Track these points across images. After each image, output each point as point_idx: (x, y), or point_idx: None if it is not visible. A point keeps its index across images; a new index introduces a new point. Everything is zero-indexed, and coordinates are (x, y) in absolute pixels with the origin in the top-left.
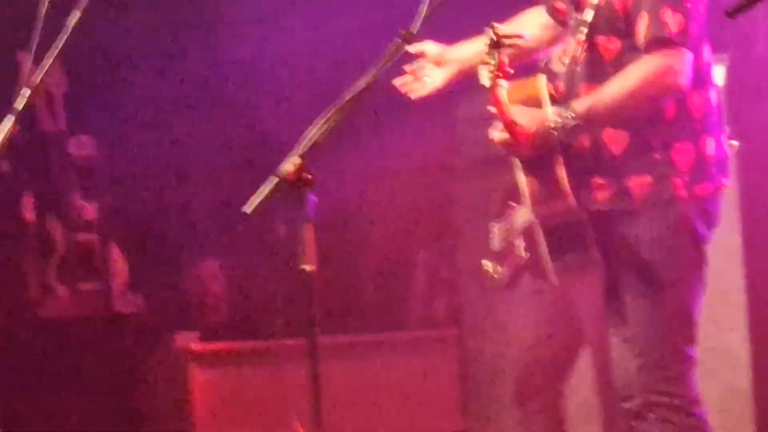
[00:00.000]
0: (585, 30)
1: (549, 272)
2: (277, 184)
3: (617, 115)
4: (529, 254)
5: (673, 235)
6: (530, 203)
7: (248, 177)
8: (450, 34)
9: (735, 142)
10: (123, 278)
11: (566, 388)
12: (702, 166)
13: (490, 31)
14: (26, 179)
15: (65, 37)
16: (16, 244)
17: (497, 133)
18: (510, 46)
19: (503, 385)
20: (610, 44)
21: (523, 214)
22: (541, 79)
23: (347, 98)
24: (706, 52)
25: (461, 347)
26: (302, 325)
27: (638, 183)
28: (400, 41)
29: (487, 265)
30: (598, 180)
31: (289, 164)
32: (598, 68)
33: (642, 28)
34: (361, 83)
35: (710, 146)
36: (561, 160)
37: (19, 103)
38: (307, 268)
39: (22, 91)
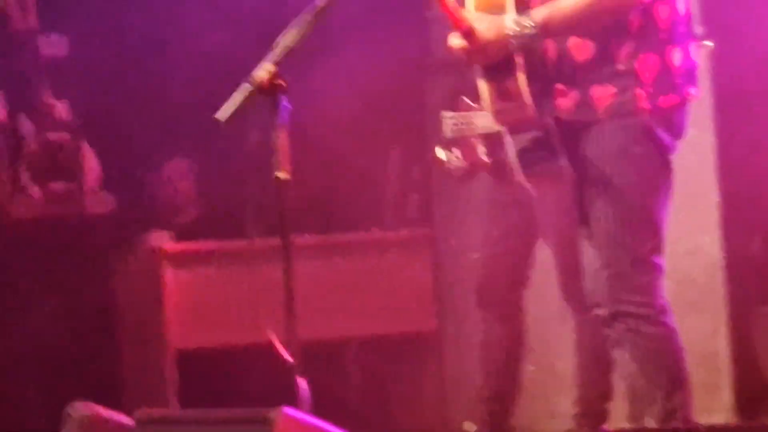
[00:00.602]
0: None
1: (518, 177)
2: (251, 92)
3: (577, 25)
4: (491, 159)
5: (636, 146)
6: (491, 110)
7: (222, 77)
8: None
9: (709, 43)
10: (95, 177)
11: (527, 300)
12: (667, 78)
13: None
14: None
15: None
16: None
17: (456, 40)
18: None
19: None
20: None
21: (483, 118)
22: None
23: (321, 3)
24: None
25: (434, 247)
26: (275, 227)
27: (601, 93)
28: None
29: (441, 152)
30: (561, 87)
31: (263, 71)
32: None
33: None
34: None
35: (677, 57)
36: (522, 67)
37: None
38: (281, 175)
39: None
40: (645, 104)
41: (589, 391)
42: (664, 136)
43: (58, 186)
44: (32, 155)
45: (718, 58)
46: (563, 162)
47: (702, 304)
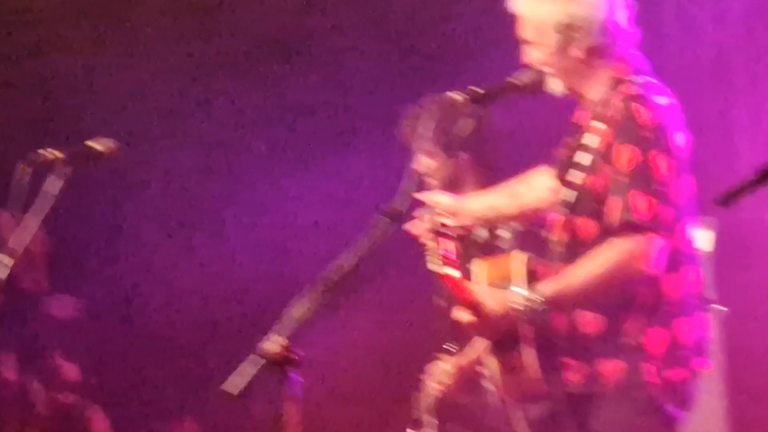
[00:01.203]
0: (566, 210)
1: None
2: (262, 365)
3: (584, 299)
4: None
5: (642, 419)
6: (500, 387)
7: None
8: None
9: (722, 308)
10: None
11: None
12: (675, 351)
13: (433, 219)
14: (7, 339)
15: (47, 202)
16: None
17: (463, 314)
18: (453, 237)
19: None
20: (588, 226)
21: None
22: (520, 257)
23: (334, 278)
24: (686, 231)
25: None
26: None
27: (610, 367)
28: (387, 219)
29: None
30: (570, 361)
31: (274, 344)
32: (577, 250)
33: (613, 211)
34: (347, 263)
35: (685, 330)
36: (530, 341)
37: (2, 273)
38: None
39: (4, 260)
40: (653, 378)
41: None
42: (672, 410)
43: None
44: (42, 417)
45: (730, 323)
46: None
47: None
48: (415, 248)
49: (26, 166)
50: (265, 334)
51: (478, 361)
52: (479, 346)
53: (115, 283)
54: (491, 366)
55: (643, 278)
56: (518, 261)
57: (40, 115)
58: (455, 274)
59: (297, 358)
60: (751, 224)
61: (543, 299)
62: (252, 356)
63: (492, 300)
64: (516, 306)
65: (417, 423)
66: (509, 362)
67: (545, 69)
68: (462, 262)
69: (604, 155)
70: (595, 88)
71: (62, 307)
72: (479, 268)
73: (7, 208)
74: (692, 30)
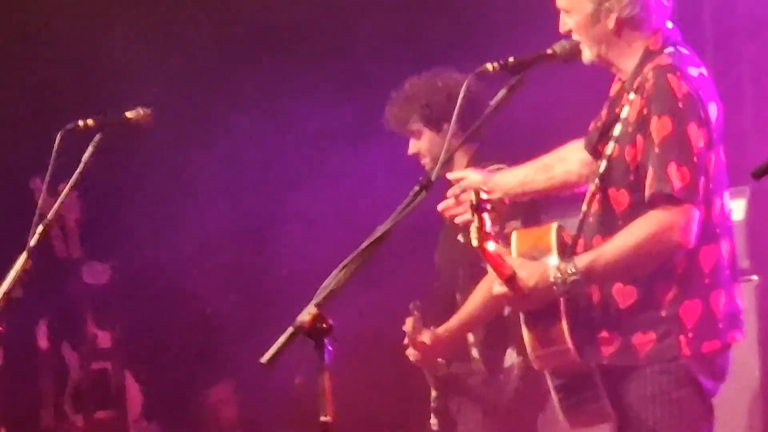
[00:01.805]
0: (598, 181)
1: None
2: (292, 334)
3: (619, 272)
4: None
5: (677, 391)
6: (532, 355)
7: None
8: None
9: (755, 277)
10: (138, 407)
11: None
12: (710, 323)
13: (473, 194)
14: (40, 307)
15: (79, 171)
16: (30, 372)
17: (497, 287)
18: (491, 209)
19: None
20: (620, 197)
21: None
22: (554, 228)
23: (365, 246)
24: (721, 203)
25: None
26: None
27: (643, 340)
28: (418, 188)
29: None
30: (604, 334)
31: (306, 314)
32: (609, 221)
33: (648, 182)
34: (379, 230)
35: (720, 301)
36: (565, 314)
37: (34, 239)
38: (325, 419)
39: (36, 228)
40: (687, 350)
41: None
42: (706, 381)
43: (101, 415)
44: (76, 385)
45: (763, 293)
46: (606, 404)
47: None
48: None
49: (62, 135)
50: (305, 303)
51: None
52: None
53: (148, 249)
54: (525, 338)
55: (677, 251)
56: (552, 232)
57: (77, 87)
58: (493, 247)
59: (328, 327)
60: None
61: (576, 270)
62: (288, 328)
63: (525, 271)
64: (550, 278)
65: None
66: (543, 334)
67: (578, 38)
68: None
69: (638, 126)
70: (629, 60)
71: (95, 274)
72: (513, 239)
73: (43, 177)
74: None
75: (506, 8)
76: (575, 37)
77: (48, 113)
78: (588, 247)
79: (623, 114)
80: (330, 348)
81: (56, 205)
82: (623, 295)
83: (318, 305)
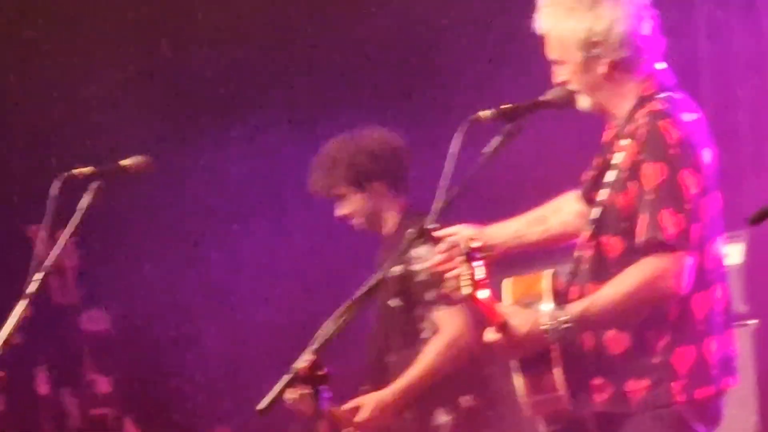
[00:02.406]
0: (591, 228)
1: None
2: (289, 382)
3: (613, 319)
4: None
5: None
6: (525, 403)
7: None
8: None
9: (753, 321)
10: None
11: None
12: (703, 369)
13: (463, 242)
14: (39, 353)
15: (77, 219)
16: (31, 418)
17: (490, 334)
18: (483, 258)
19: None
20: (613, 244)
21: None
22: (547, 275)
23: (360, 293)
24: (715, 248)
25: None
26: None
27: (636, 387)
28: (415, 235)
29: None
30: (597, 381)
31: (302, 361)
32: (602, 268)
33: (641, 229)
34: (374, 278)
35: (713, 348)
36: (558, 361)
37: (33, 287)
38: None
39: (35, 275)
40: (680, 397)
41: None
42: (700, 428)
43: None
44: (76, 430)
45: (761, 337)
46: None
47: None
48: None
49: (60, 183)
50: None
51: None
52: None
53: (146, 296)
54: (518, 385)
55: (670, 298)
56: (544, 279)
57: (74, 134)
58: (486, 295)
59: (324, 374)
60: None
61: (569, 318)
62: (284, 375)
63: (518, 318)
64: (543, 325)
65: None
66: (536, 381)
67: (573, 87)
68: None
69: (631, 173)
70: (622, 105)
71: (94, 320)
72: (506, 286)
73: (42, 224)
74: (721, 37)
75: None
76: (570, 86)
77: (44, 160)
78: (581, 294)
79: (616, 160)
80: (326, 395)
81: (54, 253)
82: (616, 341)
83: (315, 352)
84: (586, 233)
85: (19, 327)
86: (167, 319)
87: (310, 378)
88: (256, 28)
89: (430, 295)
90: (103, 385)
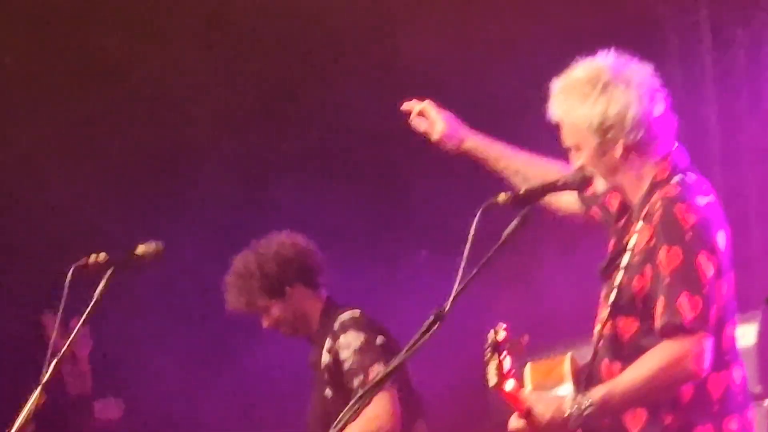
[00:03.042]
0: (608, 310)
1: None
2: None
3: (634, 402)
4: None
5: None
6: None
7: None
8: None
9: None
10: None
11: None
12: None
13: (492, 333)
14: None
15: (91, 307)
16: None
17: (514, 422)
18: (509, 350)
19: None
20: (628, 325)
21: None
22: (567, 358)
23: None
24: (730, 329)
25: None
26: None
27: None
28: (433, 319)
29: None
30: None
31: None
32: (617, 347)
33: (659, 313)
34: (393, 363)
35: (732, 426)
36: None
37: (47, 375)
38: None
39: (49, 362)
40: None
41: None
42: None
43: None
44: None
45: None
46: None
47: None
48: None
49: (73, 271)
50: None
51: None
52: None
53: (159, 385)
54: None
55: (691, 380)
56: (565, 363)
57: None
58: (512, 386)
59: None
60: None
61: (591, 402)
62: None
63: (541, 405)
64: (566, 411)
65: None
66: None
67: (591, 171)
68: None
69: (646, 256)
70: (637, 188)
71: (107, 409)
72: (528, 370)
73: (56, 312)
74: (733, 117)
75: None
76: (588, 171)
77: (57, 248)
78: (598, 371)
79: (631, 243)
80: None
81: (69, 341)
82: (632, 419)
83: None
84: (605, 313)
85: (34, 416)
86: (182, 406)
87: None
88: None
89: (357, 382)
90: None
